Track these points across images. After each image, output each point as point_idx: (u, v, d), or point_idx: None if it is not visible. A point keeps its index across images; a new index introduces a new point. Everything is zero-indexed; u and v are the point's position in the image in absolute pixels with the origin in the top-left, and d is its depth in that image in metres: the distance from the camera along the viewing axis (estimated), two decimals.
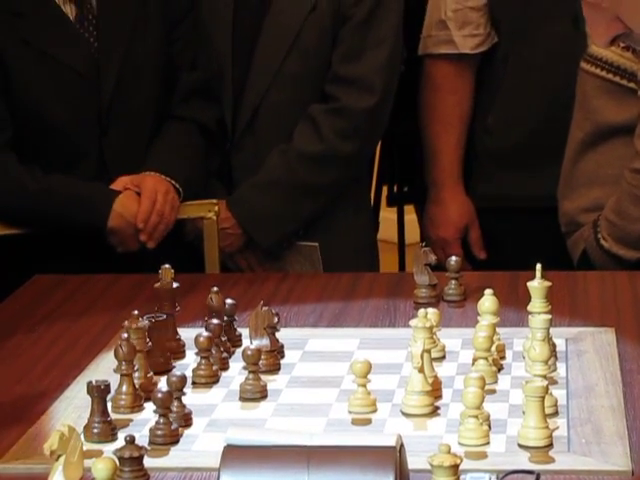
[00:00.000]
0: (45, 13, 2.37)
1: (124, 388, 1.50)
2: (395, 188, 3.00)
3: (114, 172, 2.34)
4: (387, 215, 3.02)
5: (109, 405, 1.44)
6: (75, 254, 2.34)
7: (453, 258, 1.95)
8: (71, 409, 1.53)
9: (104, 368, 1.65)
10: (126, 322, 1.54)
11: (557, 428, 1.43)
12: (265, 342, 1.62)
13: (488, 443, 1.36)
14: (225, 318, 1.69)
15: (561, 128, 2.38)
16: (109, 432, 1.38)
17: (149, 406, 1.44)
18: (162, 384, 1.49)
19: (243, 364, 1.57)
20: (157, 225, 2.26)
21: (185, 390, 1.46)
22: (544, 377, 1.45)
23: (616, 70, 2.26)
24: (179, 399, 1.43)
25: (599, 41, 1.48)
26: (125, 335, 1.50)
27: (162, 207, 2.29)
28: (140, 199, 2.29)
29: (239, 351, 1.64)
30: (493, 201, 2.68)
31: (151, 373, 1.57)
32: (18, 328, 1.84)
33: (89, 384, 1.39)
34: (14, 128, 2.32)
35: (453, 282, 1.94)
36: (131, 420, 1.46)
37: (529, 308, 1.74)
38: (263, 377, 1.56)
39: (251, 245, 2.51)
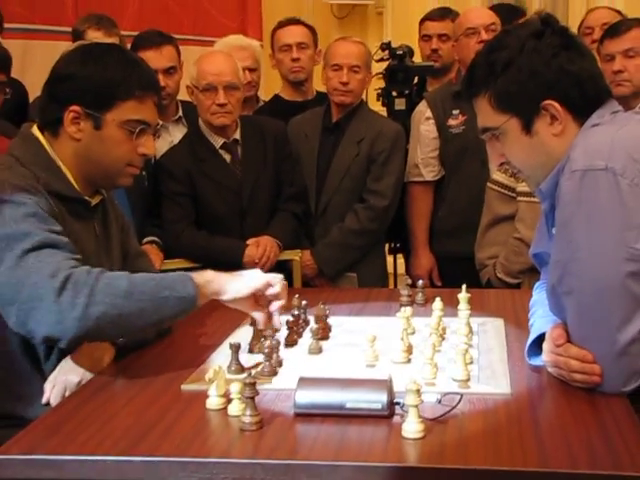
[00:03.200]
0: (215, 158, 3.44)
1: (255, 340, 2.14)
2: (393, 245, 4.14)
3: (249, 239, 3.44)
4: (389, 259, 4.06)
5: (241, 355, 2.00)
6: None
7: (420, 281, 2.70)
8: (220, 358, 2.11)
9: (238, 337, 2.25)
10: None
11: (471, 371, 1.95)
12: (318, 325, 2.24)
13: (435, 378, 1.91)
14: (301, 310, 2.38)
15: (477, 218, 3.37)
16: (240, 369, 1.98)
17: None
18: (268, 345, 2.02)
19: (310, 335, 2.20)
20: (266, 262, 3.27)
21: (280, 348, 2.09)
22: (467, 343, 2.11)
23: (504, 187, 3.20)
24: (277, 353, 2.04)
25: (493, 165, 2.22)
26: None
27: (269, 253, 3.31)
28: (258, 248, 3.31)
29: (308, 328, 2.29)
30: (443, 254, 3.83)
31: (263, 339, 2.10)
32: (191, 320, 2.27)
33: (230, 344, 2.01)
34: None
35: (420, 293, 2.67)
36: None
37: (459, 307, 2.42)
38: (320, 342, 2.19)
39: (321, 274, 3.62)
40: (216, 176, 3.56)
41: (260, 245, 3.46)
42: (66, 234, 2.06)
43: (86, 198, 2.23)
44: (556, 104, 1.93)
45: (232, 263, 3.22)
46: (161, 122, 3.81)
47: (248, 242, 3.48)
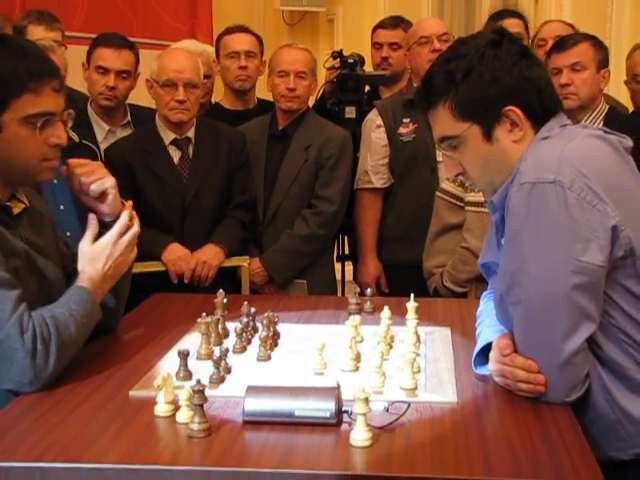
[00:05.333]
0: (161, 153, 3.38)
1: (203, 347, 2.15)
2: (341, 252, 4.20)
3: (189, 240, 3.46)
4: (337, 266, 4.09)
5: (189, 362, 2.01)
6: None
7: (368, 290, 2.70)
8: (169, 364, 2.11)
9: (187, 343, 2.27)
10: (199, 319, 2.23)
11: (419, 379, 1.96)
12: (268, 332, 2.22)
13: (383, 386, 1.93)
14: (250, 318, 2.37)
15: (425, 226, 3.39)
16: (188, 376, 1.98)
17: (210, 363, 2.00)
18: (216, 352, 2.09)
19: (259, 342, 2.20)
20: (207, 272, 3.39)
21: (228, 355, 2.09)
22: (414, 352, 2.12)
23: (452, 196, 3.24)
24: (225, 360, 2.03)
25: (449, 175, 2.22)
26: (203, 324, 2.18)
27: (210, 262, 3.39)
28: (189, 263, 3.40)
29: (257, 335, 2.29)
30: (391, 262, 3.83)
31: (211, 345, 2.19)
32: (140, 326, 2.46)
33: (179, 351, 2.01)
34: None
35: (368, 302, 2.68)
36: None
37: (407, 316, 2.40)
38: (268, 349, 2.19)
39: (271, 281, 3.63)
40: (159, 171, 3.56)
41: (191, 260, 3.51)
42: None
43: (7, 204, 2.15)
44: (517, 110, 1.96)
45: (151, 254, 3.34)
46: (108, 127, 3.82)
47: (185, 254, 3.52)
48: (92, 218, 2.25)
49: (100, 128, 3.85)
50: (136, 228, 2.26)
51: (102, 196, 2.27)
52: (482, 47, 1.97)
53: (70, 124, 2.22)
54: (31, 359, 1.92)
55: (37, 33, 3.80)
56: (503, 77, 1.94)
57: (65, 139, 2.16)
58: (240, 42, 4.26)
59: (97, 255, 2.19)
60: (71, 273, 2.24)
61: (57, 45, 3.51)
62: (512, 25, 4.07)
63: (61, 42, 3.93)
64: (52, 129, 2.11)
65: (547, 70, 2.08)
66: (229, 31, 4.34)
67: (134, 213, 2.30)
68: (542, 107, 1.98)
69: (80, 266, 2.20)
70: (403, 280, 3.66)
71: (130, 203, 2.31)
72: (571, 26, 4.36)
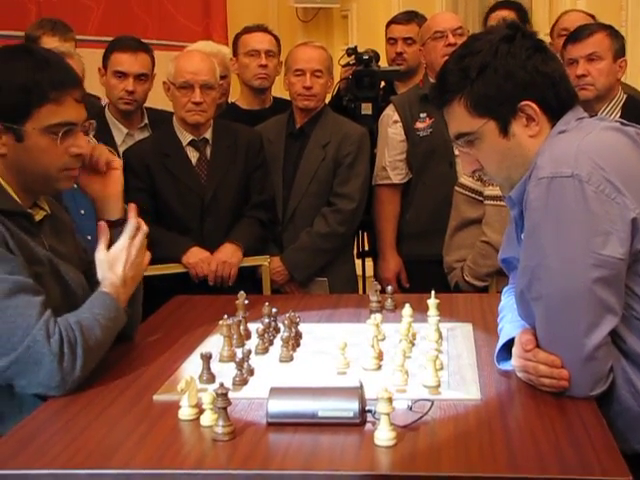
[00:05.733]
0: (179, 155, 3.40)
1: (225, 349, 2.17)
2: (361, 248, 4.19)
3: (208, 241, 3.45)
4: (357, 262, 4.04)
5: (212, 364, 2.01)
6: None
7: (389, 287, 2.68)
8: (191, 367, 2.13)
9: (209, 346, 2.29)
10: (220, 321, 2.23)
11: (442, 377, 1.97)
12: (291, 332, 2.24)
13: (406, 384, 1.93)
14: (271, 318, 2.39)
15: (444, 221, 3.41)
16: (211, 379, 2.00)
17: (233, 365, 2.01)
18: (239, 353, 2.10)
19: (281, 343, 2.20)
20: (229, 272, 3.39)
21: (251, 356, 2.09)
22: (437, 350, 2.09)
23: (471, 190, 3.25)
24: (247, 361, 2.04)
25: (466, 172, 2.23)
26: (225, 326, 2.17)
27: (230, 262, 3.39)
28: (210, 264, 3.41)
29: (279, 336, 2.29)
30: (411, 257, 3.80)
31: (233, 347, 2.20)
32: (162, 329, 2.49)
33: (201, 354, 2.01)
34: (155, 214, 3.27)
35: (389, 299, 2.67)
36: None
37: (428, 313, 2.41)
38: (290, 350, 2.20)
39: (291, 280, 3.63)
40: (178, 173, 3.58)
41: (212, 262, 3.52)
42: (20, 251, 2.04)
43: (29, 211, 2.18)
44: (533, 104, 1.95)
45: (172, 258, 3.36)
46: (127, 130, 3.83)
47: (205, 256, 3.53)
48: (102, 226, 2.29)
49: (118, 131, 3.87)
50: (145, 228, 2.30)
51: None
52: (496, 42, 1.97)
53: (92, 134, 2.24)
54: (58, 363, 1.95)
55: (51, 44, 3.80)
56: (517, 72, 1.94)
57: (86, 149, 2.19)
58: (260, 41, 4.28)
59: (114, 260, 2.22)
60: (90, 279, 2.27)
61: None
62: (502, 17, 4.05)
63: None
64: (73, 139, 2.14)
65: (562, 63, 2.07)
66: (248, 30, 4.37)
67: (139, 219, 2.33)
68: (558, 101, 1.97)
69: (100, 275, 2.22)
70: (424, 275, 3.69)
71: (133, 206, 2.33)
72: (592, 16, 4.34)
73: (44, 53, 2.18)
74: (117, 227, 2.30)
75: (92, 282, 2.25)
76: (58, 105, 2.08)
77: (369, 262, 4.41)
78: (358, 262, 4.29)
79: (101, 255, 2.23)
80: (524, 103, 1.96)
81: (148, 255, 2.30)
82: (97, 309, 2.10)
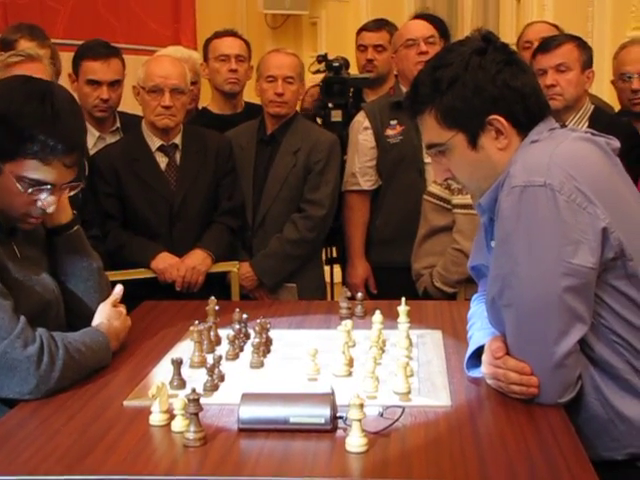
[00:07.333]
0: (148, 160, 3.38)
1: (196, 354, 2.16)
2: (330, 254, 4.21)
3: (177, 247, 3.45)
4: (326, 268, 4.07)
5: (182, 370, 2.01)
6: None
7: (359, 294, 2.69)
8: (162, 372, 2.12)
9: (179, 351, 2.28)
10: (191, 327, 2.24)
11: (412, 383, 1.98)
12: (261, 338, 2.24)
13: (377, 391, 1.93)
14: (242, 324, 2.38)
15: (413, 228, 3.44)
16: (182, 384, 2.00)
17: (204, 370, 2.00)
18: (209, 359, 2.10)
19: (252, 349, 2.22)
20: (196, 278, 3.39)
21: (221, 362, 2.07)
22: (407, 356, 2.12)
23: (439, 199, 3.28)
24: (218, 367, 2.03)
25: (438, 179, 2.24)
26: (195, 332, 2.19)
27: (198, 269, 3.39)
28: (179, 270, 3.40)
29: (249, 342, 2.31)
30: (380, 264, 3.83)
31: (204, 353, 2.20)
32: (132, 334, 2.41)
33: (172, 359, 2.01)
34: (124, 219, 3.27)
35: (359, 306, 2.68)
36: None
37: (398, 320, 2.42)
38: (261, 356, 2.19)
39: (260, 285, 3.62)
40: (147, 178, 3.56)
41: (181, 267, 3.51)
42: None
43: None
44: (501, 119, 1.96)
45: (141, 263, 3.38)
46: (98, 133, 3.81)
47: (175, 262, 3.52)
48: (119, 288, 2.39)
49: (90, 135, 3.83)
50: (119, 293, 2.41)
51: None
52: (467, 55, 1.97)
53: (71, 193, 2.23)
54: (35, 369, 1.96)
55: (28, 48, 3.66)
56: (486, 86, 1.95)
57: (54, 209, 2.17)
58: (230, 46, 4.29)
59: (113, 314, 2.31)
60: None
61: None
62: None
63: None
64: (45, 194, 2.11)
65: (534, 75, 2.08)
66: (218, 35, 4.37)
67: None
68: (527, 114, 1.98)
69: (98, 320, 2.30)
70: (392, 282, 3.71)
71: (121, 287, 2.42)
72: (556, 27, 4.37)
73: (59, 105, 2.12)
74: (66, 231, 2.34)
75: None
76: (44, 164, 2.07)
77: (337, 268, 4.41)
78: (326, 269, 4.30)
79: (104, 307, 2.32)
80: (492, 117, 1.97)
81: (129, 321, 2.41)
82: (88, 339, 2.16)
